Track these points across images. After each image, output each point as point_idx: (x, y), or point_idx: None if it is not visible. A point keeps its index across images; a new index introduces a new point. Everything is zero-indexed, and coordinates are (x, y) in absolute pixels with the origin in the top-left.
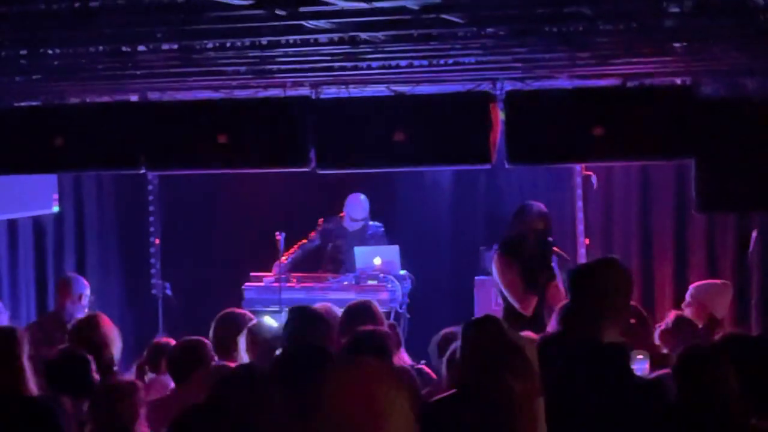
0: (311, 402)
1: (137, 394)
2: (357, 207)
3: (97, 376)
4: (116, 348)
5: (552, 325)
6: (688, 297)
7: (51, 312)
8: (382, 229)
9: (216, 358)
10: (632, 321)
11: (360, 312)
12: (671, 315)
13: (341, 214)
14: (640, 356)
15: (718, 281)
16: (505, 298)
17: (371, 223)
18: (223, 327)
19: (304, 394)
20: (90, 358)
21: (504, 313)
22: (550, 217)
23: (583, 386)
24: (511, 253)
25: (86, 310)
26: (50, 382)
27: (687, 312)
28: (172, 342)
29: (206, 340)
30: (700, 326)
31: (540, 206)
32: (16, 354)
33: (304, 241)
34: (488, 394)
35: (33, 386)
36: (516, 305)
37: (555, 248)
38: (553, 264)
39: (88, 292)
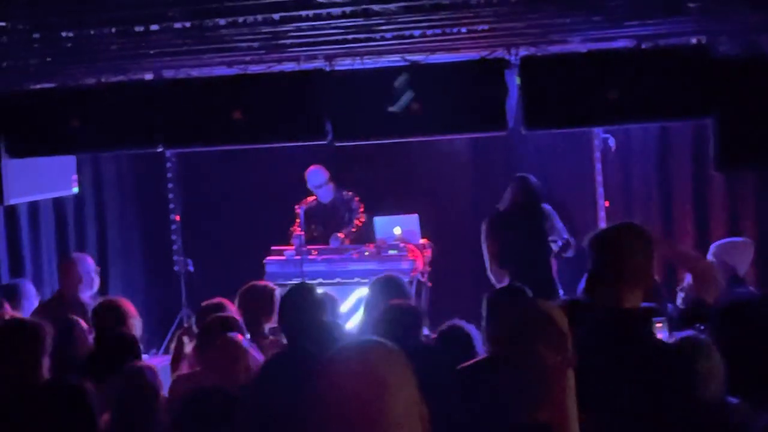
0: (319, 384)
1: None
2: (311, 175)
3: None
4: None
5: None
6: (709, 256)
7: (55, 293)
8: (352, 196)
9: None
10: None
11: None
12: (688, 276)
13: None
14: (659, 324)
15: (738, 239)
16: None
17: (344, 192)
18: (247, 300)
19: (314, 377)
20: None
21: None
22: (533, 186)
23: (603, 353)
24: (499, 224)
25: (93, 288)
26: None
27: None
28: (223, 301)
29: (237, 317)
30: (723, 284)
31: (524, 177)
32: (37, 350)
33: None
34: (517, 365)
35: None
36: (489, 271)
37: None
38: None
39: (91, 269)
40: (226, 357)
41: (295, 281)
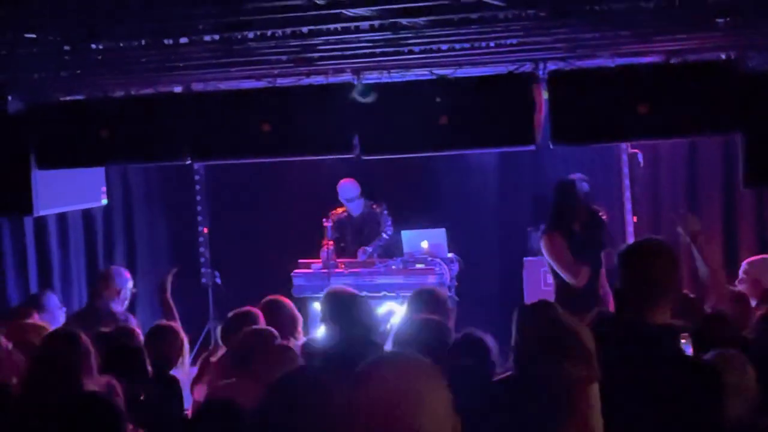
0: (352, 397)
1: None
2: (343, 188)
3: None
4: (183, 358)
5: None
6: (741, 273)
7: (88, 305)
8: (382, 209)
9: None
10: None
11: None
12: None
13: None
14: (683, 340)
15: None
16: (556, 275)
17: (373, 206)
18: (265, 314)
19: (348, 389)
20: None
21: (556, 291)
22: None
23: (630, 368)
24: (558, 228)
25: (126, 303)
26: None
27: (741, 288)
28: (253, 311)
29: (273, 330)
30: (755, 302)
31: (577, 176)
32: (76, 359)
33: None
34: (543, 380)
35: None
36: (568, 278)
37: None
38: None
39: (129, 285)
40: (281, 365)
41: (321, 295)
